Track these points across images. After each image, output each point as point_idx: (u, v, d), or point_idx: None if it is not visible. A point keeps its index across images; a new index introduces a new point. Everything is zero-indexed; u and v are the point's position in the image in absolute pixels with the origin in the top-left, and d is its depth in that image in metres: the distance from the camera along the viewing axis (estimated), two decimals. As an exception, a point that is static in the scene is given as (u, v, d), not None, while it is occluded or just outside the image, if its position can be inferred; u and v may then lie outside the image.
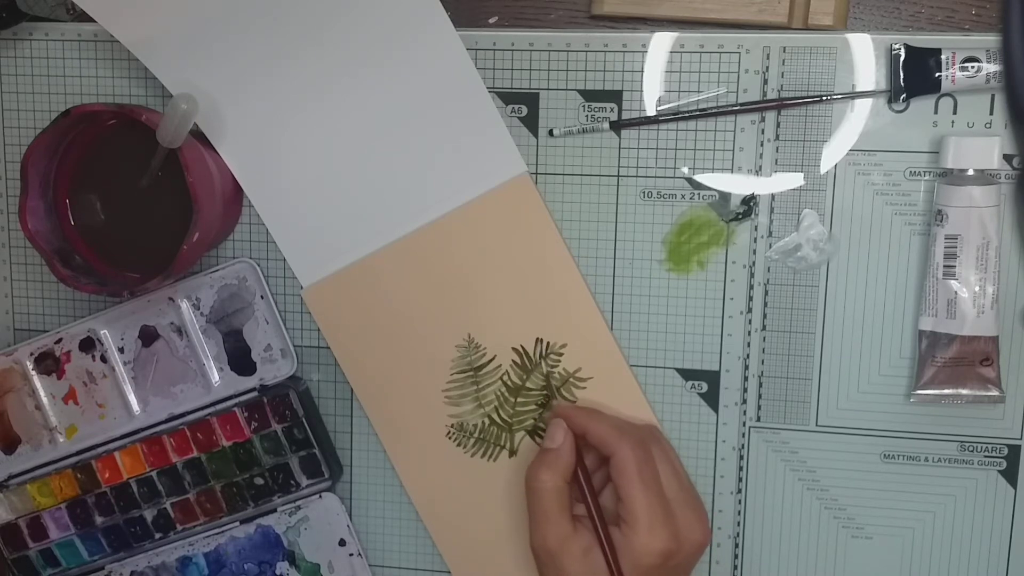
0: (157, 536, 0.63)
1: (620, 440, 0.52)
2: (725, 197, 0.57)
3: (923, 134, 0.55)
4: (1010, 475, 0.57)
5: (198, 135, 0.59)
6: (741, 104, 0.56)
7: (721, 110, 0.56)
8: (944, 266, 0.54)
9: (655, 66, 0.57)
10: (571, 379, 0.59)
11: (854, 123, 0.56)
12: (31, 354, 0.63)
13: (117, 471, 0.62)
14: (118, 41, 0.58)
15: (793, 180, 0.57)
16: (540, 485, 0.52)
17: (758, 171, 0.57)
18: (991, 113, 0.55)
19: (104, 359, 0.62)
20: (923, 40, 0.54)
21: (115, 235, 0.59)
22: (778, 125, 0.57)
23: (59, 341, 0.62)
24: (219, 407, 0.62)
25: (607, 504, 0.54)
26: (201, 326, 0.62)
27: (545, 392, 0.59)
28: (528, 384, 0.59)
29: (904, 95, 0.54)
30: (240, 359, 0.62)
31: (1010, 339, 0.56)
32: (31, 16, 0.60)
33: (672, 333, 0.59)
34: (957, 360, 0.55)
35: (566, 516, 0.52)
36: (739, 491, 0.59)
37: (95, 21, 0.58)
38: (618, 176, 0.58)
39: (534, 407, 0.59)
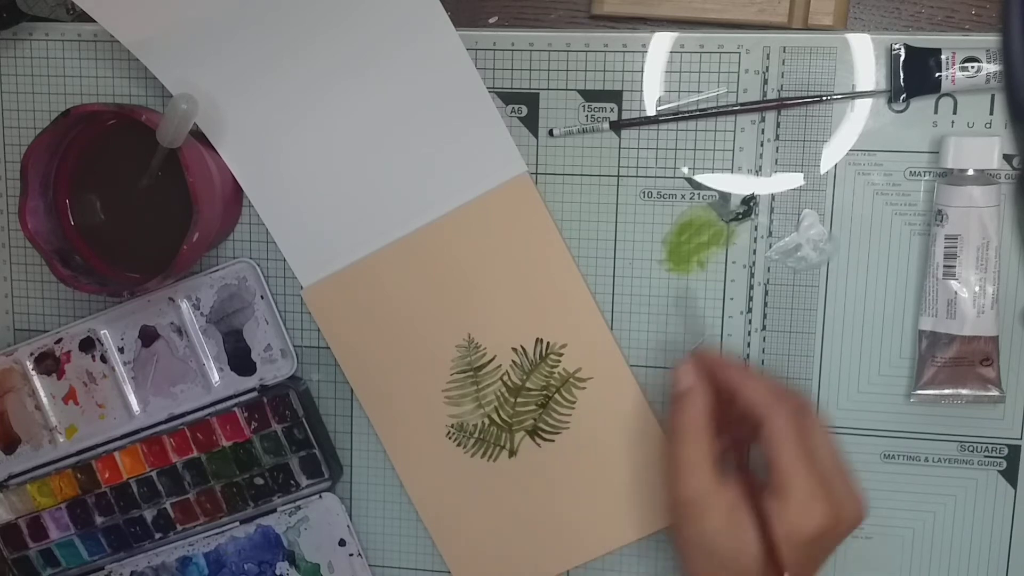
0: (157, 536, 0.63)
1: (775, 408, 0.49)
2: (725, 197, 0.57)
3: (923, 134, 0.55)
4: (1010, 475, 0.57)
5: (198, 135, 0.59)
6: (741, 104, 0.56)
7: (721, 110, 0.56)
8: (944, 266, 0.54)
9: (655, 66, 0.57)
10: (571, 379, 0.59)
11: (854, 123, 0.56)
12: (31, 354, 0.63)
13: (117, 471, 0.62)
14: (118, 41, 0.58)
15: (793, 180, 0.57)
16: (685, 428, 0.49)
17: (758, 171, 0.57)
18: (991, 113, 0.55)
19: (104, 359, 0.62)
20: (923, 40, 0.54)
21: (115, 235, 0.59)
22: (778, 125, 0.57)
23: (59, 341, 0.62)
24: (219, 407, 0.62)
25: (755, 466, 0.51)
26: (201, 326, 0.62)
27: (545, 392, 0.59)
28: (528, 384, 0.59)
29: (904, 95, 0.54)
30: (240, 359, 0.62)
31: (1010, 339, 0.56)
32: (31, 16, 0.60)
33: (672, 333, 0.59)
34: (957, 360, 0.55)
35: (710, 465, 0.49)
36: (739, 491, 0.59)
37: (95, 21, 0.58)
38: (618, 176, 0.58)
39: (534, 407, 0.59)
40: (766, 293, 0.58)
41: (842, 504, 0.49)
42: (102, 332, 0.62)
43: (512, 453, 0.60)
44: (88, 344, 0.62)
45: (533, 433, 0.60)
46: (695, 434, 0.50)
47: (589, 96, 0.58)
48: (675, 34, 0.56)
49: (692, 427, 0.50)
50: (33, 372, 0.63)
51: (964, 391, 0.55)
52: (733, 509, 0.48)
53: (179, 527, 0.63)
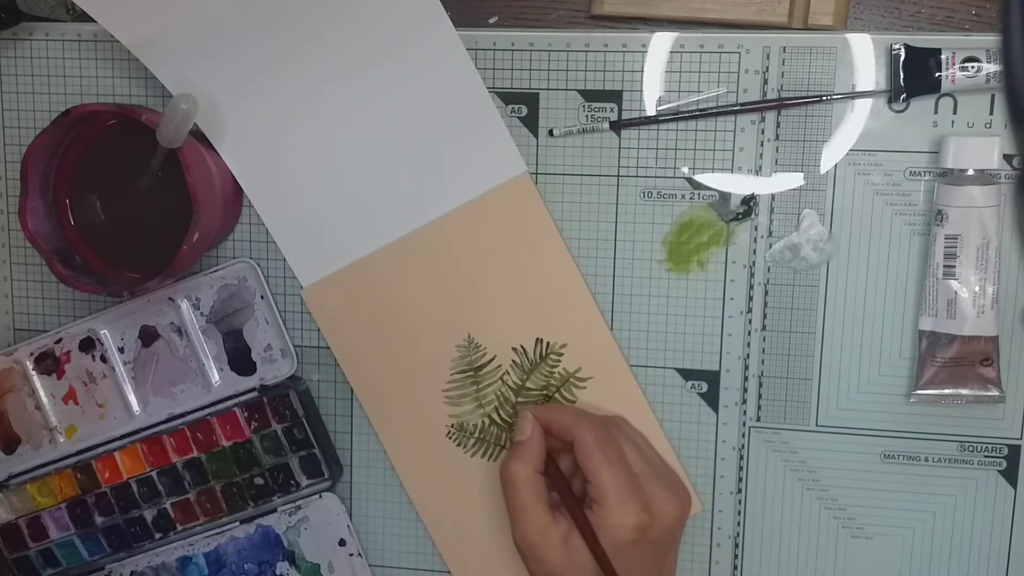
0: (157, 536, 0.63)
1: (580, 423, 0.52)
2: (725, 197, 0.57)
3: (923, 134, 0.55)
4: (1010, 475, 0.57)
5: (198, 135, 0.59)
6: (741, 104, 0.56)
7: (721, 110, 0.56)
8: (944, 266, 0.54)
9: (655, 66, 0.57)
10: (571, 379, 0.59)
11: (854, 123, 0.56)
12: (31, 354, 0.63)
13: (117, 471, 0.62)
14: (118, 41, 0.58)
15: (793, 180, 0.57)
16: (514, 477, 0.52)
17: (758, 171, 0.57)
18: (991, 113, 0.55)
19: (104, 359, 0.62)
20: (923, 40, 0.54)
21: (115, 235, 0.59)
22: (778, 125, 0.57)
23: (59, 341, 0.62)
24: (219, 407, 0.62)
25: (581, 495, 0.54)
26: (201, 326, 0.62)
27: (545, 392, 0.59)
28: (528, 384, 0.59)
29: (904, 95, 0.54)
30: (240, 359, 0.62)
31: (1010, 339, 0.56)
32: (31, 16, 0.60)
33: (672, 333, 0.59)
34: (957, 360, 0.55)
35: (543, 507, 0.52)
36: (739, 491, 0.59)
37: (95, 21, 0.58)
38: (618, 176, 0.58)
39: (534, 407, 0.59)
40: (766, 293, 0.58)
41: (655, 500, 0.51)
42: (102, 332, 0.62)
43: (512, 453, 0.60)
44: (88, 344, 0.62)
45: (533, 433, 0.59)
46: (528, 481, 0.52)
47: (589, 96, 0.58)
48: (675, 34, 0.56)
49: (524, 473, 0.52)
50: (33, 372, 0.63)
51: (964, 391, 0.55)
52: (566, 539, 0.51)
53: (179, 527, 0.63)
